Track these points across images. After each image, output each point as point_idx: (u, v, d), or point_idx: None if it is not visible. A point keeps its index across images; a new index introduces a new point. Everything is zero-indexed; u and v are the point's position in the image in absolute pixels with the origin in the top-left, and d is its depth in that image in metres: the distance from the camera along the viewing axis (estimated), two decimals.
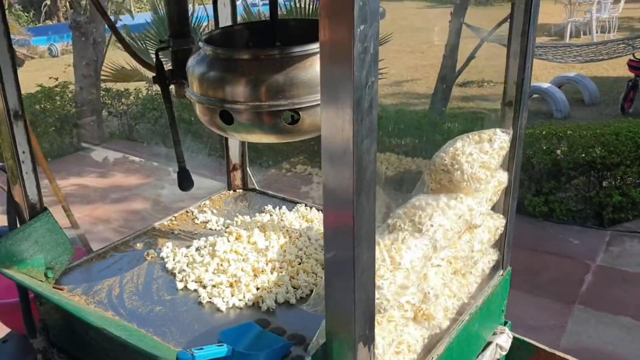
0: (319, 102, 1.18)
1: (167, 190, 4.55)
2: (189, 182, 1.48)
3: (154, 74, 1.42)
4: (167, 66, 1.46)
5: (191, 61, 1.28)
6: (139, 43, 6.64)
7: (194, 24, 6.56)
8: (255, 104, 1.19)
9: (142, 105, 6.76)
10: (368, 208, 0.84)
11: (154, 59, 1.41)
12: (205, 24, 6.54)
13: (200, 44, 1.27)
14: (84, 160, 5.79)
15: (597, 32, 11.22)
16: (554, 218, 4.65)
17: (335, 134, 0.79)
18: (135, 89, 6.90)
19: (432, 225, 1.16)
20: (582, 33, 11.45)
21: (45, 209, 1.47)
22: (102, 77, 6.30)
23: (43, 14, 17.45)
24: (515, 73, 1.32)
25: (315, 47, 1.18)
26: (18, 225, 1.44)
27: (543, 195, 4.68)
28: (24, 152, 1.39)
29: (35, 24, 17.57)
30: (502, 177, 1.39)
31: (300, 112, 1.20)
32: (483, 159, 1.28)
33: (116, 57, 6.72)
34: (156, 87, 6.93)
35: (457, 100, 7.69)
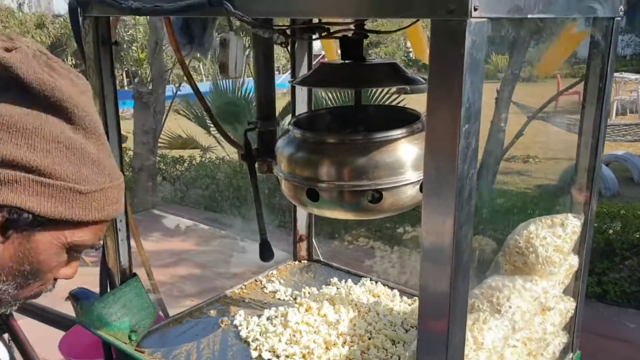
0: (400, 183, 1.27)
1: (210, 256, 4.71)
2: (270, 253, 1.56)
3: (242, 152, 1.53)
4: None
5: (280, 142, 1.38)
6: (196, 111, 7.00)
7: (244, 93, 6.89)
8: (341, 183, 1.27)
9: (195, 171, 7.02)
10: (463, 290, 0.90)
11: (243, 138, 1.53)
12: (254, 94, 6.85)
13: (290, 127, 1.38)
14: (137, 223, 5.97)
15: None
16: (607, 299, 4.53)
17: (436, 219, 0.86)
18: (189, 156, 7.19)
19: (510, 307, 1.19)
20: (628, 111, 11.44)
21: (135, 274, 1.57)
22: (160, 145, 6.61)
23: None
24: (586, 160, 1.37)
25: (396, 133, 1.27)
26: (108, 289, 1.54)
27: (596, 275, 4.59)
28: (121, 221, 1.51)
29: None
30: (574, 260, 1.42)
31: (382, 192, 1.28)
32: (557, 243, 1.32)
33: (173, 125, 7.07)
34: (208, 155, 7.25)
35: (503, 175, 7.70)
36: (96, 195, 0.84)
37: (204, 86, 7.19)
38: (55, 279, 0.88)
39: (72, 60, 13.69)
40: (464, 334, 0.95)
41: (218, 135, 6.93)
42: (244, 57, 1.09)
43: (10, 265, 0.81)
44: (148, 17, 5.64)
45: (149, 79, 6.61)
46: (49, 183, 0.79)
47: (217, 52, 1.37)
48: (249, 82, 6.92)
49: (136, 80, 6.89)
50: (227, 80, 6.98)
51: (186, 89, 7.34)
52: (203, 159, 7.15)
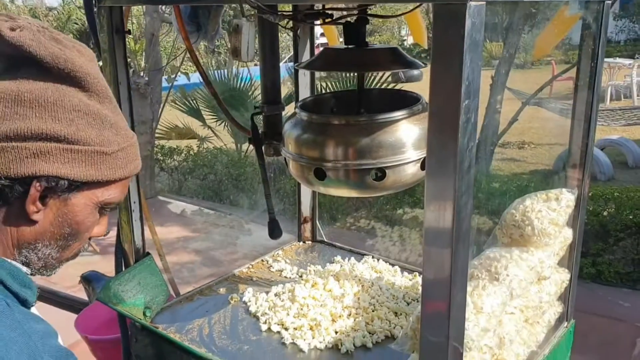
0: (402, 162, 1.34)
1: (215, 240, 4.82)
2: (279, 232, 1.63)
3: (249, 136, 1.59)
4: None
5: (288, 125, 1.45)
6: (191, 102, 7.04)
7: (240, 82, 6.94)
8: (346, 162, 1.34)
9: (192, 161, 7.07)
10: (463, 254, 0.97)
11: (250, 123, 1.59)
12: (248, 83, 6.94)
13: (297, 110, 1.44)
14: None
15: (637, 95, 11.28)
16: (602, 280, 4.63)
17: (439, 190, 0.93)
18: (186, 146, 7.24)
19: (507, 275, 1.27)
20: (622, 96, 11.53)
21: (148, 253, 1.64)
22: (157, 135, 6.65)
23: None
24: (579, 139, 1.44)
25: (398, 114, 1.34)
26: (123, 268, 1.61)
27: (590, 256, 4.68)
28: (134, 202, 1.57)
29: None
30: (568, 233, 1.50)
31: (385, 170, 1.34)
32: (551, 216, 1.39)
33: (170, 116, 7.10)
34: (206, 145, 7.29)
35: (498, 161, 7.78)
36: (119, 155, 0.92)
37: (196, 76, 7.23)
38: (90, 238, 0.97)
39: None
40: (465, 295, 1.02)
41: (213, 126, 6.99)
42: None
43: (52, 230, 0.89)
44: (144, 7, 5.68)
45: (145, 70, 6.63)
46: (78, 149, 0.87)
47: (222, 40, 1.43)
48: (243, 71, 6.98)
49: (131, 71, 6.90)
50: (220, 71, 7.06)
51: (183, 79, 7.38)
52: (200, 149, 7.19)
